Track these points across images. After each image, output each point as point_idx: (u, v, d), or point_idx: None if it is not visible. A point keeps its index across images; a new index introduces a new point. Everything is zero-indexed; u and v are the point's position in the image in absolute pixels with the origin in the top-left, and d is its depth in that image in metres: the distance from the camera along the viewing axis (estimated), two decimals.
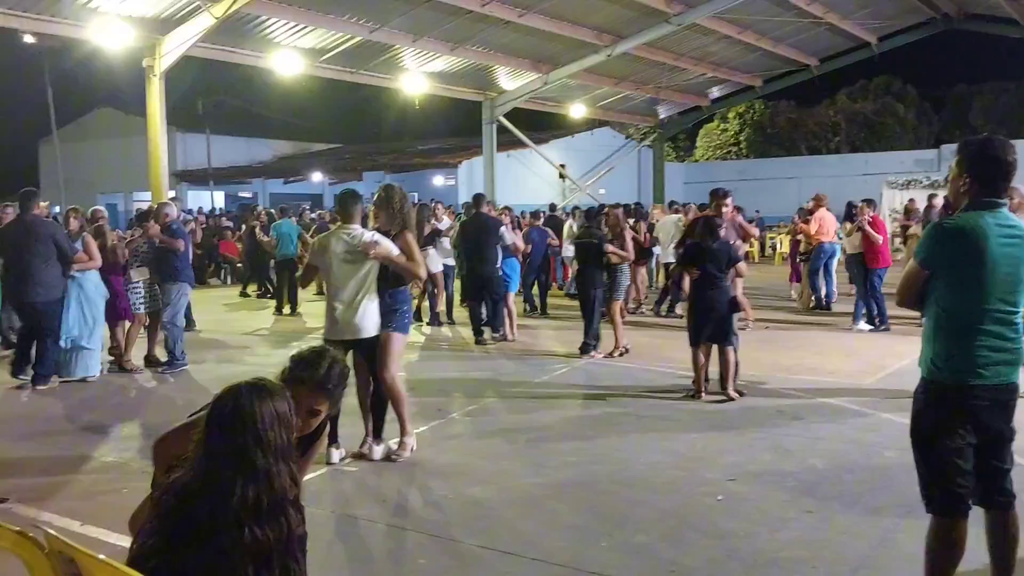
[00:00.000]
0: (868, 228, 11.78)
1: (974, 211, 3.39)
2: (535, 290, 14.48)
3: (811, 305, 13.90)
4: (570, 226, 16.37)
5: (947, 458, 3.38)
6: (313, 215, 22.82)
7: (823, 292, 14.01)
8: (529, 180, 30.95)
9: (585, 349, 10.03)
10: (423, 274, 6.35)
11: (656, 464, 5.91)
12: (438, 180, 33.72)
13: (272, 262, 15.86)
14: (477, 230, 11.37)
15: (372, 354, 5.95)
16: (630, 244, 10.57)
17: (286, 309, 14.47)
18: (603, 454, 6.21)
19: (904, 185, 28.79)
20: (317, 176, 36.18)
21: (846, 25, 24.40)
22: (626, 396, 8.07)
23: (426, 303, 13.05)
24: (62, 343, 8.77)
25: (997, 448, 3.45)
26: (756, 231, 12.74)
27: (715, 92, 31.58)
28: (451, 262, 12.83)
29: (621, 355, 9.97)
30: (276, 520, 2.22)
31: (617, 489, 5.43)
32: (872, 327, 11.63)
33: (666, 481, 5.57)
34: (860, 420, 7.05)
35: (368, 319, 5.85)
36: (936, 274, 3.43)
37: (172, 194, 18.58)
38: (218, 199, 36.93)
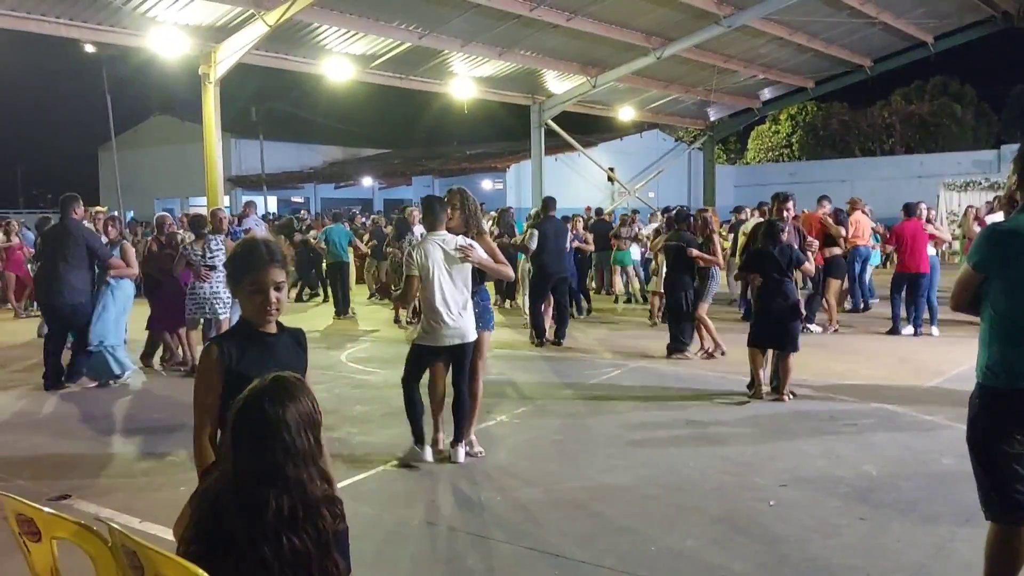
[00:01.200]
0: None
1: None
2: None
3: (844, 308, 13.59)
4: (616, 228, 16.35)
5: (1005, 464, 3.31)
6: (365, 220, 23.12)
7: (859, 297, 13.92)
8: (578, 183, 30.90)
9: (674, 349, 10.14)
10: (511, 274, 6.55)
11: (706, 469, 5.87)
12: (487, 184, 33.84)
13: (324, 266, 16.09)
14: (555, 233, 11.56)
15: (464, 358, 6.01)
16: (719, 247, 10.49)
17: (339, 306, 14.83)
18: (652, 458, 6.18)
19: (962, 187, 28.15)
20: (367, 181, 36.57)
21: (901, 24, 23.91)
22: (677, 399, 8.03)
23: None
24: (93, 347, 8.83)
25: None
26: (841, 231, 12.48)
27: (766, 94, 31.20)
28: None
29: (722, 355, 9.94)
30: (313, 524, 2.22)
31: (666, 494, 5.40)
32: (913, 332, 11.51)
33: (716, 486, 5.52)
34: (915, 426, 6.92)
35: (471, 322, 5.97)
36: (990, 277, 3.37)
37: (226, 200, 18.93)
38: (271, 204, 37.51)
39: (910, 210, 12.09)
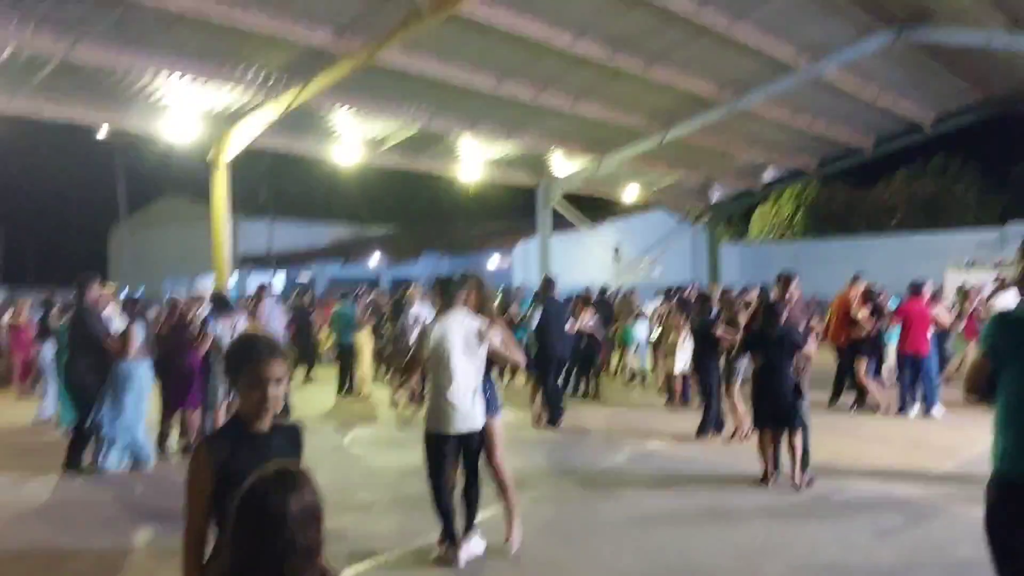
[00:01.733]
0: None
1: None
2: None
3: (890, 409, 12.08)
4: (619, 305, 16.41)
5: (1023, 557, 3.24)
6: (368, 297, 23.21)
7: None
8: (584, 261, 31.10)
9: (703, 431, 10.15)
10: (523, 360, 6.49)
11: (717, 556, 5.76)
12: (494, 261, 34.08)
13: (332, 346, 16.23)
14: (556, 314, 11.64)
15: (477, 446, 5.86)
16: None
17: (343, 388, 14.93)
18: (662, 544, 6.07)
19: (968, 266, 28.23)
20: (374, 258, 36.90)
21: (900, 107, 24.33)
22: (688, 483, 7.91)
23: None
24: (105, 432, 8.72)
25: None
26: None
27: (768, 175, 31.58)
28: None
29: (745, 437, 9.75)
30: None
31: None
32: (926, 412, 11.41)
33: (727, 573, 5.40)
34: (930, 512, 6.80)
35: (480, 408, 5.80)
36: (1001, 364, 3.36)
37: (234, 278, 19.07)
38: (278, 281, 37.79)
39: (916, 289, 12.07)
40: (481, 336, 5.72)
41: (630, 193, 28.73)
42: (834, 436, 10.01)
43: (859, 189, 46.50)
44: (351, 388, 14.88)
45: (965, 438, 9.55)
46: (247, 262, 36.84)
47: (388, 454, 9.60)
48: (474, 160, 22.56)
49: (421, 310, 12.60)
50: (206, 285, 19.63)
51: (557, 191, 25.52)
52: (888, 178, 47.05)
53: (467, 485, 5.90)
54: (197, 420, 9.70)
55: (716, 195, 32.89)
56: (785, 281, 9.20)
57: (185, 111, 15.78)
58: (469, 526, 5.92)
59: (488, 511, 6.43)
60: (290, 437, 2.97)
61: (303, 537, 2.18)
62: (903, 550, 5.83)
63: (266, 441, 2.86)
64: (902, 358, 11.71)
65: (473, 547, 5.87)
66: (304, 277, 40.26)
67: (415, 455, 8.87)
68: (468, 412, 5.68)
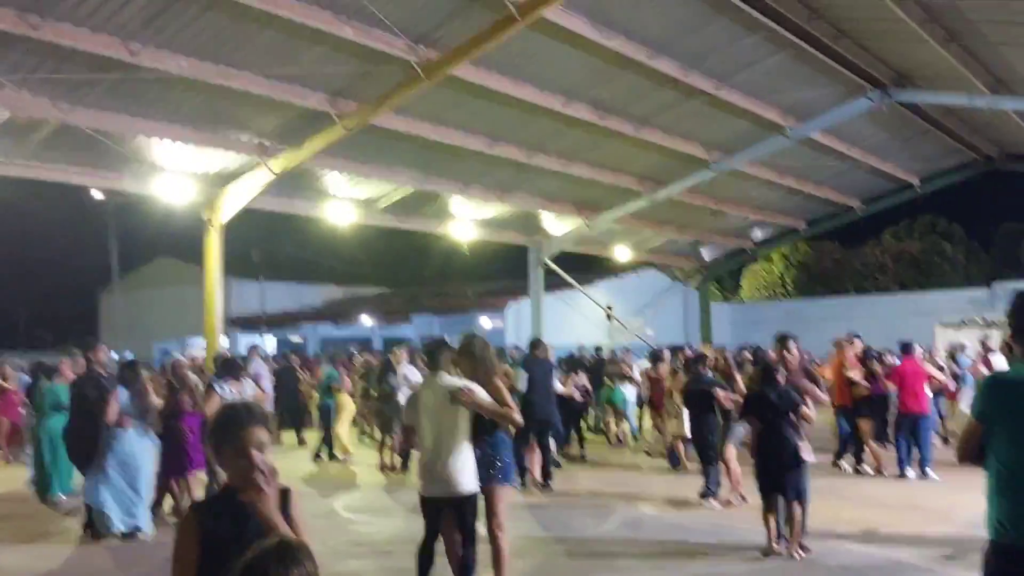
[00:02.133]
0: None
1: None
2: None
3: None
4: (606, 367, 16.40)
5: None
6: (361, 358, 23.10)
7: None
8: (576, 321, 31.10)
9: (705, 494, 10.03)
10: (518, 420, 5.93)
11: None
12: (486, 322, 34.05)
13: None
14: (543, 375, 11.55)
15: (466, 512, 5.67)
16: (742, 387, 10.23)
17: (323, 450, 14.74)
18: None
19: (958, 325, 28.32)
20: (366, 319, 36.83)
21: (887, 167, 24.69)
22: (683, 551, 7.79)
23: None
24: (99, 500, 8.48)
25: None
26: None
27: (758, 234, 31.84)
28: None
29: (743, 500, 9.67)
30: None
31: None
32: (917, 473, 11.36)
33: None
34: None
35: (464, 473, 5.60)
36: (993, 428, 3.35)
37: (225, 340, 18.98)
38: (270, 343, 37.62)
39: (906, 348, 12.10)
40: (454, 397, 5.55)
41: (622, 253, 28.89)
42: (832, 499, 9.91)
43: (849, 248, 46.88)
44: (330, 451, 14.66)
45: (961, 500, 9.45)
46: (238, 323, 36.73)
47: (377, 521, 9.45)
48: (466, 220, 22.71)
49: (409, 371, 12.56)
50: (197, 347, 19.56)
51: (549, 250, 25.64)
52: (877, 238, 47.52)
53: (463, 550, 5.74)
54: (193, 485, 9.50)
55: (707, 254, 33.11)
56: (783, 342, 9.19)
57: (179, 172, 15.87)
58: None
59: None
60: (280, 504, 2.92)
61: None
62: None
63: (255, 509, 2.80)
64: (901, 418, 11.66)
65: None
66: (296, 338, 40.19)
67: (404, 522, 8.76)
68: (444, 476, 5.57)
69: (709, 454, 10.10)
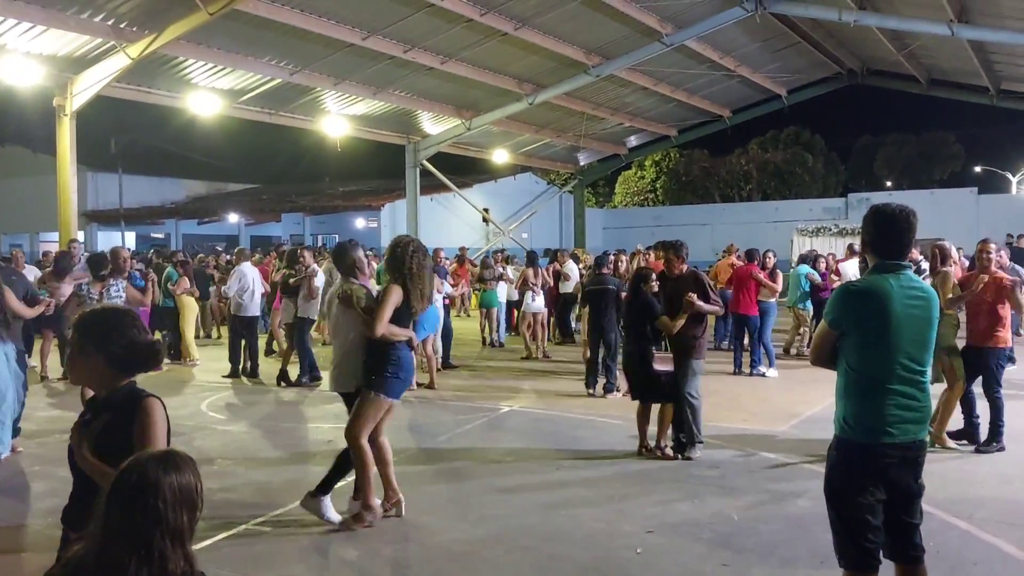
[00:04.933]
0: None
1: (878, 274, 3.54)
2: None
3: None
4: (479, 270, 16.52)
5: (859, 514, 3.46)
6: (229, 257, 22.31)
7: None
8: (453, 223, 31.04)
9: (609, 388, 10.54)
10: (371, 332, 5.52)
11: (577, 516, 5.90)
12: (360, 222, 33.53)
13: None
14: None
15: (347, 406, 5.88)
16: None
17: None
18: (524, 507, 6.16)
19: (814, 232, 29.85)
20: (233, 217, 35.58)
21: (757, 78, 25.34)
22: (551, 446, 8.05)
23: None
24: None
25: (906, 504, 3.54)
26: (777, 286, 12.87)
27: (633, 141, 32.32)
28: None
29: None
30: None
31: (538, 544, 5.38)
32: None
33: (587, 534, 5.55)
34: (773, 469, 7.17)
35: (343, 375, 5.80)
36: (845, 334, 3.55)
37: (80, 235, 18.01)
38: (129, 240, 35.94)
39: (750, 256, 12.84)
40: (340, 300, 5.70)
41: (500, 156, 28.80)
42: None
43: (717, 157, 48.26)
44: (175, 354, 13.87)
45: (807, 397, 10.11)
46: (95, 217, 34.84)
47: (244, 419, 9.33)
48: (339, 115, 22.02)
49: (248, 272, 12.22)
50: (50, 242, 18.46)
51: (426, 151, 25.28)
52: (744, 148, 49.04)
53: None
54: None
55: (583, 159, 33.42)
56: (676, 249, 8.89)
57: (26, 54, 14.66)
58: (324, 485, 5.76)
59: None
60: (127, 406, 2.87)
61: (175, 516, 2.13)
62: (749, 505, 6.14)
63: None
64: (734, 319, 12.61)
65: (309, 507, 5.73)
66: (158, 235, 38.52)
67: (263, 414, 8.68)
68: (332, 375, 5.93)
69: (612, 350, 10.56)
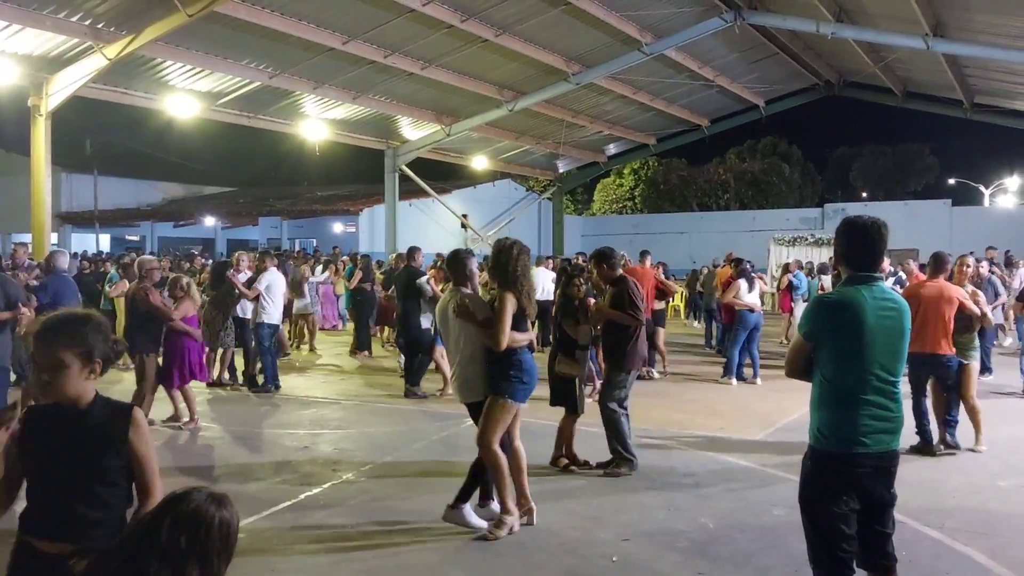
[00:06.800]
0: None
1: (851, 286, 3.58)
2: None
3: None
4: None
5: (833, 524, 3.48)
6: (206, 260, 22.20)
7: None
8: (431, 229, 30.97)
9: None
10: (496, 346, 5.47)
11: (553, 524, 5.89)
12: (338, 227, 33.38)
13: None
14: (406, 281, 11.30)
15: (474, 416, 5.80)
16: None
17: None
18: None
19: (790, 242, 30.09)
20: (210, 220, 35.31)
21: (735, 88, 25.54)
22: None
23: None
24: None
25: (879, 513, 3.58)
26: (675, 287, 13.59)
27: (612, 149, 32.45)
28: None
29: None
30: None
31: (513, 551, 5.37)
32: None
33: (562, 542, 5.54)
34: (749, 477, 7.21)
35: (467, 385, 5.70)
36: (819, 345, 3.58)
37: (55, 237, 17.83)
38: (104, 242, 35.57)
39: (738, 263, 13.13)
40: (462, 310, 5.57)
41: (479, 162, 28.83)
42: (666, 402, 10.49)
43: (695, 166, 48.55)
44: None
45: (784, 405, 10.17)
46: (69, 219, 34.45)
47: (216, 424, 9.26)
48: (318, 120, 21.95)
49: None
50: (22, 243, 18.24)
51: (406, 156, 25.26)
52: (722, 157, 49.38)
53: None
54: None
55: (562, 167, 33.51)
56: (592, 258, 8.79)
57: (1, 52, 14.50)
58: (462, 495, 5.76)
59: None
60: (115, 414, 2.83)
61: (217, 555, 2.10)
62: (725, 514, 6.15)
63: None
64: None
65: (452, 516, 5.74)
66: (133, 237, 38.15)
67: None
68: (455, 386, 5.92)
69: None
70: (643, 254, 13.50)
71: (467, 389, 5.73)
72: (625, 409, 7.30)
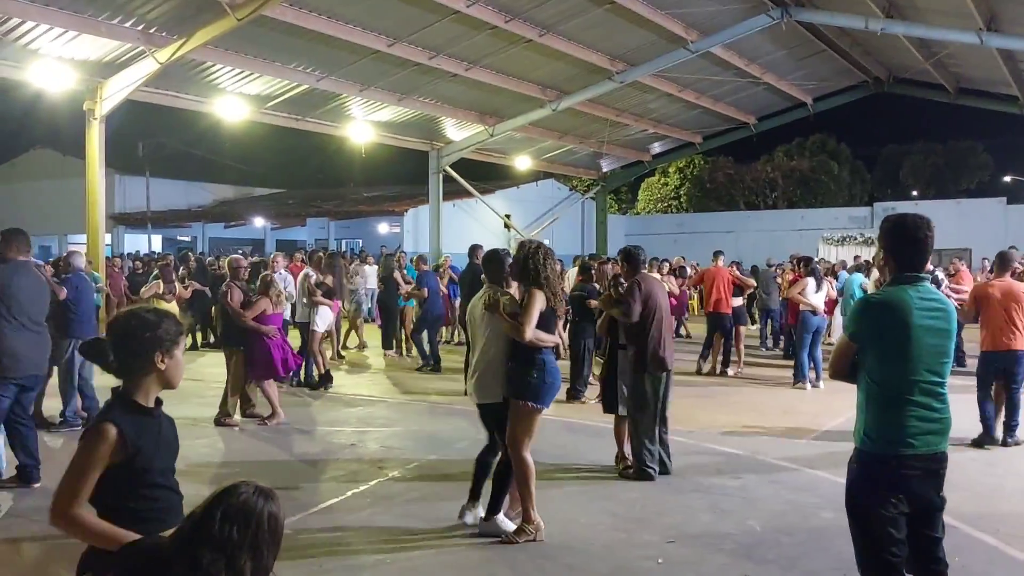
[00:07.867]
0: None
1: (897, 286, 3.52)
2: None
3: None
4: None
5: (881, 528, 3.43)
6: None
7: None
8: (474, 229, 31.02)
9: (575, 395, 10.59)
10: (521, 336, 5.44)
11: (595, 525, 5.89)
12: (383, 228, 33.65)
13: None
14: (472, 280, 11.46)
15: (484, 419, 5.81)
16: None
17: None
18: (542, 516, 6.13)
19: (839, 241, 29.64)
20: (259, 221, 35.83)
21: (783, 85, 25.19)
22: (569, 451, 8.03)
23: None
24: None
25: (928, 517, 3.51)
26: (751, 282, 14.70)
27: (656, 147, 32.21)
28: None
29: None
30: None
31: (556, 553, 5.37)
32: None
33: (605, 544, 5.54)
34: (797, 480, 7.12)
35: (485, 385, 5.68)
36: (865, 347, 3.53)
37: (109, 238, 18.23)
38: (156, 243, 36.30)
39: (715, 255, 13.88)
40: (493, 306, 5.59)
41: (522, 162, 28.83)
42: (711, 404, 10.41)
43: (742, 164, 47.99)
44: None
45: (832, 407, 10.04)
46: (122, 220, 35.20)
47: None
48: (364, 122, 22.15)
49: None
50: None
51: (449, 157, 25.37)
52: (769, 155, 48.74)
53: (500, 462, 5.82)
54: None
55: (606, 166, 33.36)
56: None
57: (58, 59, 14.88)
58: (492, 506, 5.72)
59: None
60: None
61: (266, 547, 2.18)
62: (771, 516, 6.09)
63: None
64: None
65: (464, 517, 5.81)
66: (184, 237, 38.83)
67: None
68: (471, 387, 5.84)
69: (581, 357, 10.74)
70: (716, 254, 13.98)
71: (484, 389, 5.70)
72: (654, 411, 7.07)
